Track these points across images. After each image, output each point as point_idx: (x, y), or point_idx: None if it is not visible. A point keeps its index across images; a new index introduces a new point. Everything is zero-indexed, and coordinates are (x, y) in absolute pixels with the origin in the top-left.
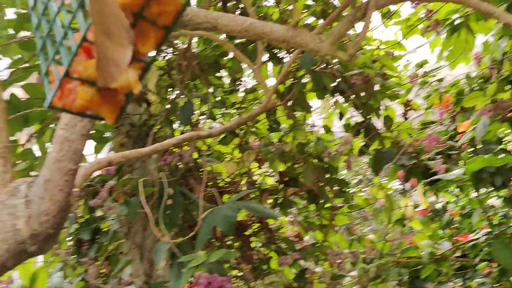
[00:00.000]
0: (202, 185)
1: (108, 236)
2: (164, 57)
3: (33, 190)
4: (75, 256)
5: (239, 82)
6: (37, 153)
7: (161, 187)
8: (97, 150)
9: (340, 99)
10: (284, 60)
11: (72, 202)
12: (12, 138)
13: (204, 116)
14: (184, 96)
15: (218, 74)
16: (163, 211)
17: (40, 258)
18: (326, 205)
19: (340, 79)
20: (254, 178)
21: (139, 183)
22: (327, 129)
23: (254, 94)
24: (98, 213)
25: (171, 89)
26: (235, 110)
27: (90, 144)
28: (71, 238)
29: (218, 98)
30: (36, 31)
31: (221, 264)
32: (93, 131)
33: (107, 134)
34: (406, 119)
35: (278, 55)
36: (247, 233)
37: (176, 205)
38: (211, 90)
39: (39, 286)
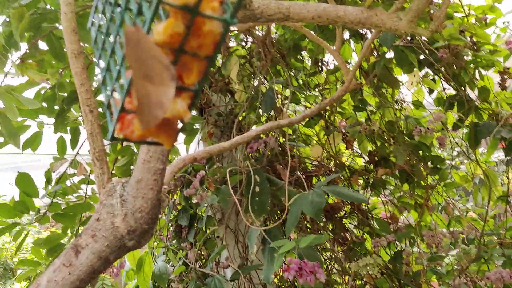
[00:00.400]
0: (288, 171)
1: (204, 221)
2: (244, 46)
3: (127, 190)
4: (176, 241)
5: (321, 63)
6: (136, 149)
7: (249, 175)
8: (187, 142)
9: (429, 72)
10: (367, 36)
11: (163, 199)
12: None
13: (288, 101)
14: (265, 83)
15: (299, 57)
16: (252, 198)
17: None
18: (421, 184)
19: (426, 52)
20: (343, 160)
21: (227, 172)
22: (417, 105)
23: (337, 74)
24: (195, 200)
25: (253, 76)
26: (318, 93)
27: (180, 137)
28: (171, 224)
29: (300, 82)
30: (98, 65)
31: (312, 248)
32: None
33: (197, 126)
34: (504, 88)
35: (359, 32)
36: (339, 215)
37: (264, 192)
38: (292, 74)
39: (146, 270)
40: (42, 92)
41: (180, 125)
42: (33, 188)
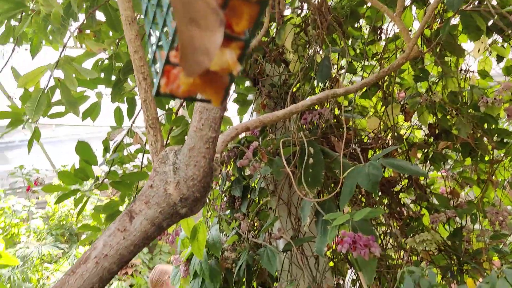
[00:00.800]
0: (343, 143)
1: (257, 193)
2: (300, 14)
3: (179, 158)
4: (229, 211)
5: (379, 31)
6: (190, 119)
7: (302, 146)
8: (241, 112)
9: (499, 39)
10: (430, 1)
11: (215, 167)
12: (167, 107)
13: (344, 70)
14: (321, 52)
15: (356, 25)
16: (305, 169)
17: (199, 213)
18: (485, 158)
19: (496, 17)
20: (401, 132)
21: (280, 144)
22: (484, 75)
23: (397, 42)
24: (248, 171)
25: (308, 46)
26: (376, 62)
27: (234, 107)
28: (225, 195)
29: (358, 51)
30: (145, 17)
31: (366, 222)
32: (236, 95)
33: (250, 97)
34: None
35: None
36: (395, 189)
37: (318, 164)
38: (349, 42)
39: (200, 238)
40: (100, 62)
41: (229, 79)
42: (92, 156)
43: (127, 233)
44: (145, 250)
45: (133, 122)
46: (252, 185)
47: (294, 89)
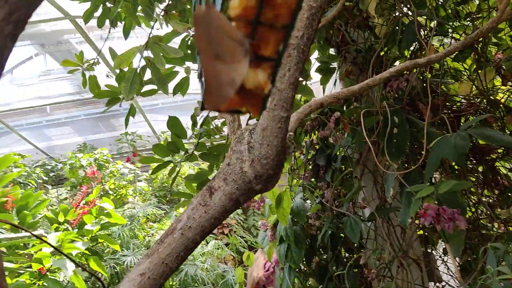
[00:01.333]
0: (428, 110)
1: (341, 162)
2: None
3: (253, 137)
4: (313, 180)
5: None
6: None
7: (387, 115)
8: (323, 81)
9: None
10: None
11: (288, 145)
12: None
13: (432, 33)
14: (408, 14)
15: None
16: (389, 140)
17: (284, 182)
18: None
19: None
20: (497, 97)
21: (361, 114)
22: None
23: (491, 0)
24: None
25: (394, 8)
26: (469, 22)
27: (316, 76)
28: (309, 163)
29: (449, 11)
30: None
31: (453, 194)
32: (320, 64)
33: (334, 65)
34: None
35: None
36: (491, 157)
37: (403, 134)
38: (440, 2)
39: (284, 205)
40: (187, 40)
41: (264, 94)
42: (182, 130)
43: (208, 207)
44: (239, 211)
45: None
46: (337, 153)
47: (382, 53)
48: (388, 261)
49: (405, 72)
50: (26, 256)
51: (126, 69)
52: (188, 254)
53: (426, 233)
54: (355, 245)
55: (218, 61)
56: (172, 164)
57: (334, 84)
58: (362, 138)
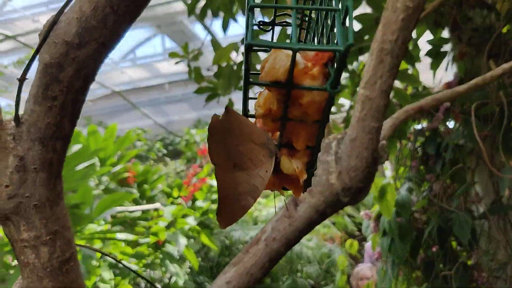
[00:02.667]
0: None
1: (452, 152)
2: None
3: (341, 148)
4: (422, 169)
5: None
6: None
7: (503, 107)
8: (434, 66)
9: None
10: None
11: (381, 155)
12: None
13: None
14: None
15: None
16: (505, 133)
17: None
18: None
19: None
20: None
21: (472, 109)
22: None
23: None
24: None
25: None
26: None
27: (426, 61)
28: (417, 151)
29: None
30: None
31: None
32: (431, 47)
33: (445, 48)
34: None
35: None
36: None
37: None
38: None
39: (388, 198)
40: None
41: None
42: None
43: (292, 219)
44: None
45: None
46: (449, 142)
47: (504, 30)
48: (503, 262)
49: None
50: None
51: (224, 64)
52: (273, 265)
53: None
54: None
55: (237, 171)
56: None
57: (446, 69)
58: (477, 131)
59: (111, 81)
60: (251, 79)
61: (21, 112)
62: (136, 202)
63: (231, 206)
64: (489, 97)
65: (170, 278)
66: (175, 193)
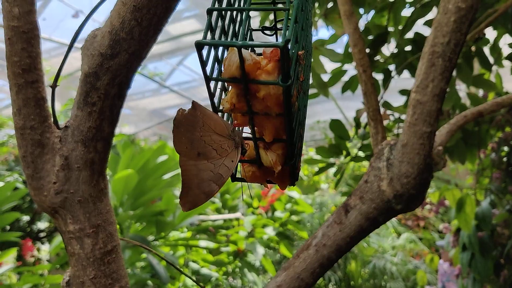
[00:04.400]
0: None
1: None
2: None
3: (393, 153)
4: (507, 181)
5: None
6: None
7: None
8: None
9: None
10: None
11: (437, 161)
12: None
13: None
14: None
15: None
16: None
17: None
18: None
19: None
20: None
21: None
22: None
23: None
24: None
25: None
26: None
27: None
28: (502, 161)
29: None
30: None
31: None
32: (511, 49)
33: None
34: None
35: None
36: None
37: None
38: None
39: (467, 210)
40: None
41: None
42: (345, 132)
43: (343, 225)
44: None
45: (381, 97)
46: None
47: None
48: None
49: None
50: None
51: None
52: (324, 271)
53: None
54: None
55: (201, 160)
56: (337, 166)
57: None
58: None
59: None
60: (214, 76)
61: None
62: (218, 211)
63: (194, 192)
64: None
65: None
66: (255, 204)
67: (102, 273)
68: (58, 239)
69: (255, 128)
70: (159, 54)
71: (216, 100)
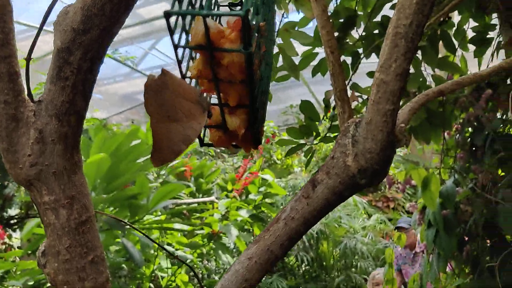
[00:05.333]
0: None
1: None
2: None
3: (359, 130)
4: (471, 161)
5: None
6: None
7: None
8: (478, 54)
9: None
10: None
11: (399, 138)
12: None
13: None
14: None
15: None
16: None
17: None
18: None
19: None
20: None
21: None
22: None
23: None
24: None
25: None
26: None
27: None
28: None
29: None
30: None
31: None
32: (475, 33)
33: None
34: None
35: None
36: None
37: None
38: None
39: (432, 189)
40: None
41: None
42: (315, 113)
43: (310, 200)
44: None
45: (350, 79)
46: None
47: None
48: None
49: None
50: (200, 221)
51: None
52: (292, 244)
53: None
54: None
55: (171, 122)
56: (307, 146)
57: (491, 58)
58: None
59: None
60: (182, 44)
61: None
62: (193, 195)
63: (164, 151)
64: None
65: (224, 269)
66: (229, 187)
67: (77, 243)
68: (29, 224)
69: (221, 94)
70: (130, 38)
71: (184, 68)
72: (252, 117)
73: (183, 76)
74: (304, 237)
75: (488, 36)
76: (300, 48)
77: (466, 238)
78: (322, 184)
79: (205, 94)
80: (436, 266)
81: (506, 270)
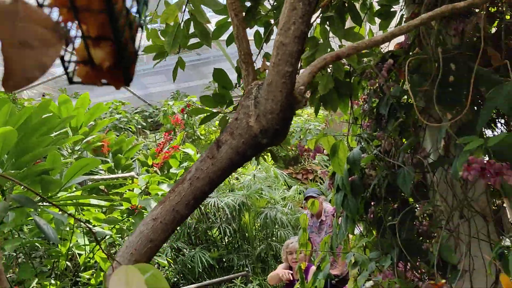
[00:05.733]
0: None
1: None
2: None
3: (260, 92)
4: (377, 129)
5: None
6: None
7: (445, 62)
8: (383, 26)
9: None
10: None
11: (299, 99)
12: None
13: None
14: None
15: None
16: (444, 88)
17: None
18: None
19: None
20: None
21: (406, 63)
22: None
23: None
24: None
25: None
26: None
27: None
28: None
29: None
30: None
31: (506, 147)
32: (380, 6)
33: (395, 8)
34: None
35: None
36: None
37: (460, 82)
38: None
39: (340, 155)
40: None
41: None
42: (228, 82)
43: (215, 160)
44: (325, 157)
45: (261, 48)
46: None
47: None
48: (450, 213)
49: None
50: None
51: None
52: (198, 203)
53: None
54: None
55: (24, 48)
56: (221, 114)
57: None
58: (416, 87)
59: None
60: None
61: None
62: (111, 171)
63: (16, 76)
64: (428, 54)
65: None
66: (150, 162)
67: None
68: None
69: (82, 25)
70: None
71: None
72: (118, 49)
73: (40, 5)
74: (226, 209)
75: (392, 9)
76: (214, 20)
77: (372, 203)
78: (226, 144)
79: (67, 25)
80: (344, 228)
81: (405, 229)
